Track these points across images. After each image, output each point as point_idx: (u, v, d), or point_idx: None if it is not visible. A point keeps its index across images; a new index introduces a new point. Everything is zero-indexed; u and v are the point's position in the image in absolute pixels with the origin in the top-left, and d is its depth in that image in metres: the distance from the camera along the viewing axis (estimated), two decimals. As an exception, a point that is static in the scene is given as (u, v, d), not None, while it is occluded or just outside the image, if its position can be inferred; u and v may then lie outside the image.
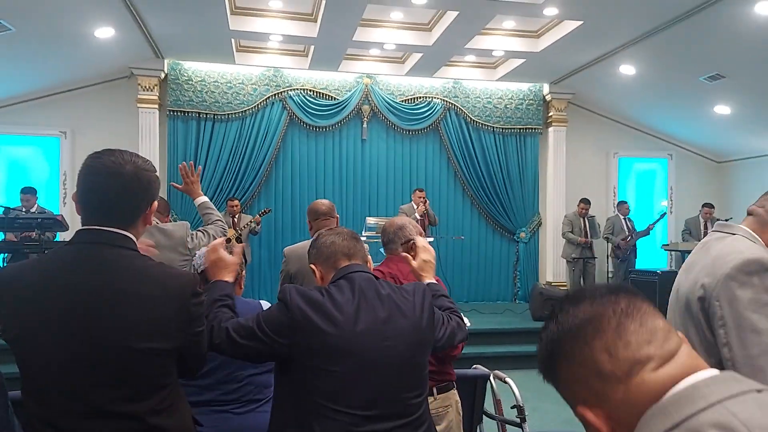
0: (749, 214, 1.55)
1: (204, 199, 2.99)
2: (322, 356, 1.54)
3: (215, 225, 2.97)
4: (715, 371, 0.71)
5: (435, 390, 2.40)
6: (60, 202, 7.55)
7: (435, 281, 2.05)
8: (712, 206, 8.22)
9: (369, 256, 1.84)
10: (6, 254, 5.56)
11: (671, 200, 9.30)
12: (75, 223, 5.82)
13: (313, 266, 1.78)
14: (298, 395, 1.56)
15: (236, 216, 7.09)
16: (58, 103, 7.55)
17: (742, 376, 0.71)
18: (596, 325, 0.74)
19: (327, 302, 1.59)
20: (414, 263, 2.04)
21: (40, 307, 1.30)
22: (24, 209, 6.20)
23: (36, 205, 6.42)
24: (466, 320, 2.04)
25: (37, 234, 5.67)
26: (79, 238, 1.37)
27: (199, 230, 2.98)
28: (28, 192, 6.39)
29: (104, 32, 6.36)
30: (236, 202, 7.14)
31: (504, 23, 6.82)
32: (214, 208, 3.04)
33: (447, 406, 2.47)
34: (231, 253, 1.90)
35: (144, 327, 1.31)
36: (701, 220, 8.22)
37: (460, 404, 2.55)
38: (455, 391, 2.52)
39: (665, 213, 8.58)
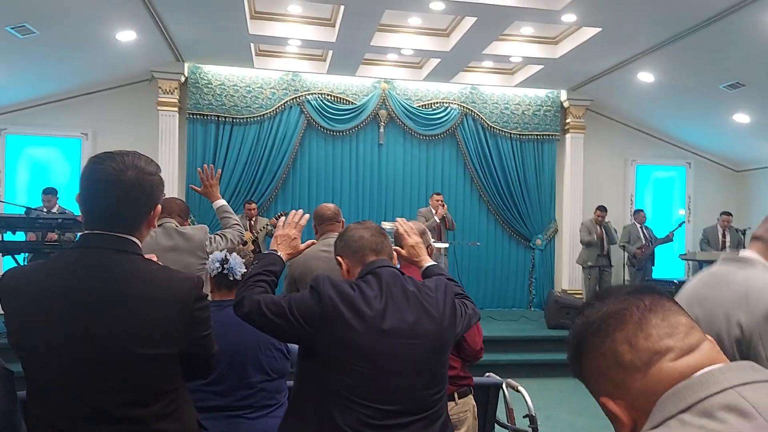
0: (755, 238, 1.50)
1: (222, 202, 3.02)
2: (348, 352, 1.56)
3: (233, 229, 2.99)
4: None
5: (456, 395, 2.42)
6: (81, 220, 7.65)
7: (434, 263, 2.05)
8: (730, 215, 8.10)
9: (394, 253, 1.86)
10: (27, 254, 5.66)
11: (689, 209, 9.19)
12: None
13: (339, 258, 1.79)
14: (321, 384, 1.59)
15: (253, 219, 7.14)
16: (80, 105, 7.67)
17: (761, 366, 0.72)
18: (619, 318, 0.76)
19: (358, 297, 1.60)
20: (404, 252, 2.04)
21: (42, 310, 1.30)
22: (45, 209, 6.32)
23: (57, 206, 6.54)
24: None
25: (57, 234, 5.77)
26: (83, 242, 1.37)
27: (217, 234, 3.01)
28: (50, 192, 6.51)
29: (126, 36, 6.46)
30: (253, 205, 7.19)
31: (522, 29, 6.81)
32: (233, 212, 3.06)
33: (466, 411, 2.48)
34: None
35: (146, 331, 1.30)
36: (719, 229, 8.10)
37: (476, 409, 2.56)
38: (472, 397, 2.53)
39: (683, 222, 8.47)
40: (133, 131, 7.59)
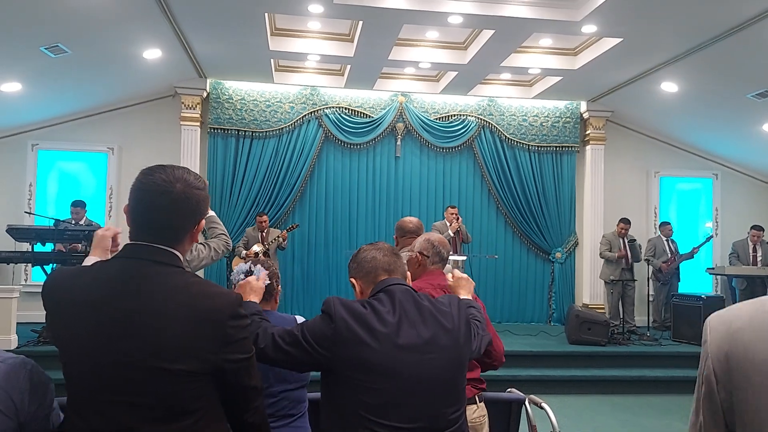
0: None
1: (211, 213, 3.01)
2: (365, 371, 1.56)
3: (218, 239, 2.98)
4: None
5: (477, 398, 2.41)
6: (106, 215, 7.82)
7: (470, 298, 2.14)
8: (761, 228, 7.85)
9: (408, 273, 1.87)
10: (55, 264, 5.80)
11: (716, 222, 8.98)
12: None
13: (353, 280, 1.81)
14: (343, 406, 1.59)
15: (264, 231, 7.16)
16: (107, 121, 7.89)
17: None
18: None
19: (371, 315, 1.60)
20: (450, 281, 2.21)
21: (78, 319, 1.31)
22: (74, 221, 6.47)
23: (85, 218, 6.69)
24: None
25: (83, 246, 5.88)
26: (125, 252, 1.38)
27: (200, 243, 2.98)
28: (78, 205, 6.67)
29: (152, 54, 6.63)
30: (264, 217, 7.21)
31: (541, 41, 6.78)
32: (220, 222, 3.06)
33: (483, 415, 2.47)
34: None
35: (173, 346, 1.28)
36: (750, 244, 7.87)
37: (488, 418, 2.54)
38: (484, 404, 2.53)
39: (711, 236, 8.25)
40: (157, 145, 7.74)
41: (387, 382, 1.55)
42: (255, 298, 1.96)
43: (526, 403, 3.08)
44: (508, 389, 3.18)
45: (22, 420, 1.30)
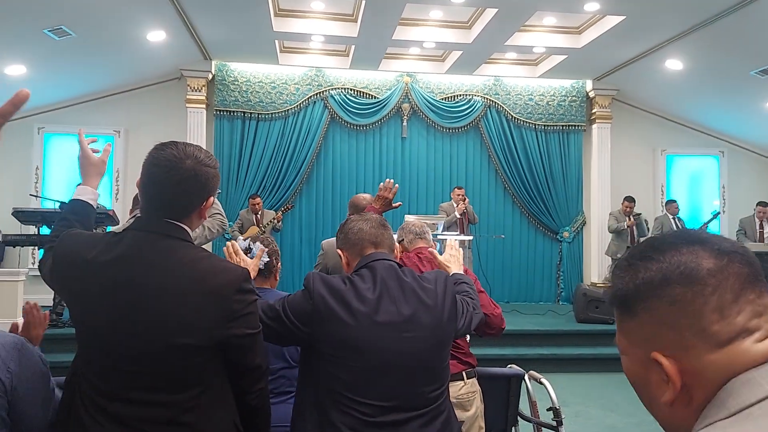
0: None
1: None
2: (342, 349, 1.54)
3: (213, 218, 3.01)
4: None
5: (464, 375, 2.40)
6: (113, 197, 7.90)
7: (459, 272, 2.09)
8: (767, 205, 7.84)
9: (397, 244, 1.84)
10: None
11: (723, 199, 8.94)
12: (126, 218, 6.10)
13: (339, 251, 1.78)
14: (318, 383, 1.57)
15: (259, 213, 7.07)
16: (114, 104, 7.91)
17: None
18: (718, 280, 0.68)
19: (349, 292, 1.58)
20: (440, 257, 2.15)
21: (89, 284, 1.35)
22: (79, 204, 6.51)
23: (91, 201, 6.74)
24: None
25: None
26: (135, 224, 1.40)
27: None
28: (83, 186, 6.70)
29: (156, 36, 6.63)
30: (258, 199, 7.12)
31: (544, 20, 6.73)
32: (217, 202, 3.09)
33: (474, 392, 2.47)
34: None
35: (178, 319, 1.30)
36: (756, 220, 7.84)
37: (482, 394, 2.55)
38: (476, 380, 2.52)
39: (718, 213, 8.21)
40: (163, 128, 7.75)
41: (363, 359, 1.53)
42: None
43: (526, 378, 3.12)
44: (509, 365, 3.23)
45: (10, 398, 1.32)
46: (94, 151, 1.71)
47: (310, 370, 1.62)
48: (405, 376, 1.57)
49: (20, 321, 1.77)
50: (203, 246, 3.29)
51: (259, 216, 7.06)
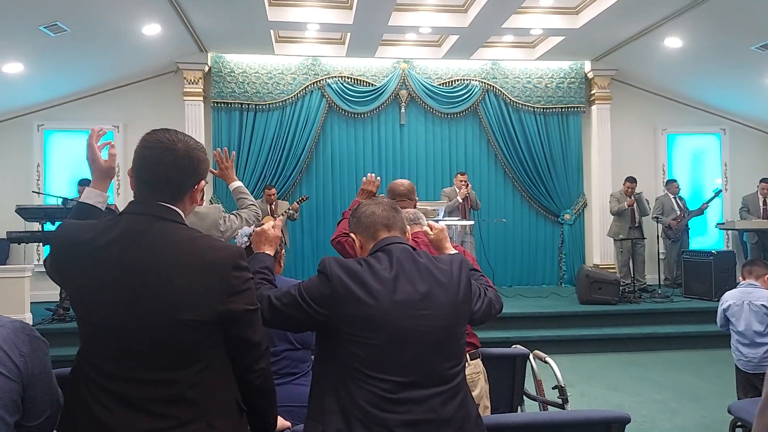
0: None
1: (238, 183, 3.05)
2: (361, 327, 1.57)
3: (249, 209, 3.02)
4: None
5: (468, 356, 2.43)
6: (114, 192, 7.91)
7: (456, 251, 2.12)
8: None
9: (408, 227, 1.87)
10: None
11: (725, 177, 8.90)
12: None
13: (353, 234, 1.82)
14: (336, 362, 1.60)
15: (274, 203, 7.19)
16: (112, 98, 7.92)
17: None
18: None
19: (366, 272, 1.61)
20: (432, 235, 2.19)
21: (88, 270, 1.37)
22: (81, 200, 6.53)
23: (92, 196, 6.75)
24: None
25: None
26: (129, 208, 1.43)
27: (232, 213, 3.03)
28: (86, 184, 6.67)
29: (151, 29, 6.60)
30: (273, 190, 7.23)
31: (541, 0, 6.67)
32: (249, 193, 3.09)
33: (478, 372, 2.51)
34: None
35: (178, 296, 1.33)
36: (760, 197, 7.82)
37: (486, 374, 2.58)
38: (480, 361, 2.56)
39: (720, 191, 8.17)
40: (161, 122, 7.54)
41: (381, 335, 1.57)
42: (269, 250, 1.94)
43: (531, 358, 3.14)
44: (514, 346, 3.24)
45: (26, 382, 1.35)
46: (103, 146, 1.76)
47: (327, 352, 1.64)
48: (423, 351, 1.59)
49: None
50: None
51: (273, 206, 7.15)
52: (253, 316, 1.44)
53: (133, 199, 1.46)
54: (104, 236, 1.37)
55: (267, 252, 1.93)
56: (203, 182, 1.49)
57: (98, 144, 1.75)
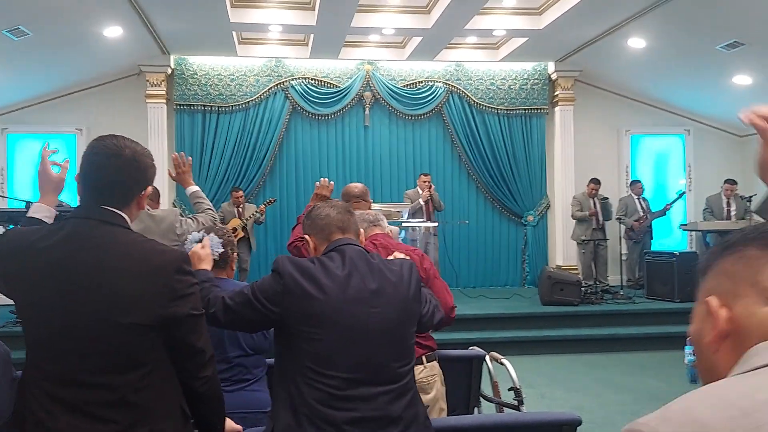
0: None
1: (195, 188, 3.05)
2: (311, 322, 1.60)
3: (205, 213, 3.01)
4: None
5: (424, 359, 2.44)
6: (78, 196, 7.70)
7: (409, 257, 2.17)
8: (734, 182, 7.81)
9: (362, 230, 1.91)
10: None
11: (690, 178, 9.01)
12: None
13: (307, 236, 1.84)
14: (289, 359, 1.64)
15: (241, 206, 7.16)
16: (74, 102, 7.82)
17: None
18: None
19: (318, 270, 1.65)
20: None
21: (32, 274, 1.38)
22: (45, 203, 6.37)
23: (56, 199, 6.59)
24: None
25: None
26: (76, 212, 1.46)
27: (189, 217, 3.01)
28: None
29: (113, 32, 6.54)
30: (240, 192, 7.21)
31: (504, 1, 6.70)
32: (205, 197, 3.10)
33: (434, 375, 2.51)
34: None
35: (121, 300, 1.35)
36: (723, 198, 7.90)
37: (443, 377, 2.57)
38: (437, 363, 2.55)
39: (683, 192, 8.24)
40: (125, 124, 7.60)
41: (330, 331, 1.60)
42: (206, 266, 1.99)
43: (487, 359, 3.12)
44: (471, 347, 3.21)
45: None
46: (53, 164, 1.82)
47: (282, 350, 1.68)
48: (372, 349, 1.62)
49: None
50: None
51: (240, 209, 7.13)
52: (198, 321, 1.45)
53: (78, 204, 1.49)
54: (47, 240, 1.40)
55: (205, 268, 1.98)
56: (150, 188, 1.53)
57: (49, 161, 1.81)
